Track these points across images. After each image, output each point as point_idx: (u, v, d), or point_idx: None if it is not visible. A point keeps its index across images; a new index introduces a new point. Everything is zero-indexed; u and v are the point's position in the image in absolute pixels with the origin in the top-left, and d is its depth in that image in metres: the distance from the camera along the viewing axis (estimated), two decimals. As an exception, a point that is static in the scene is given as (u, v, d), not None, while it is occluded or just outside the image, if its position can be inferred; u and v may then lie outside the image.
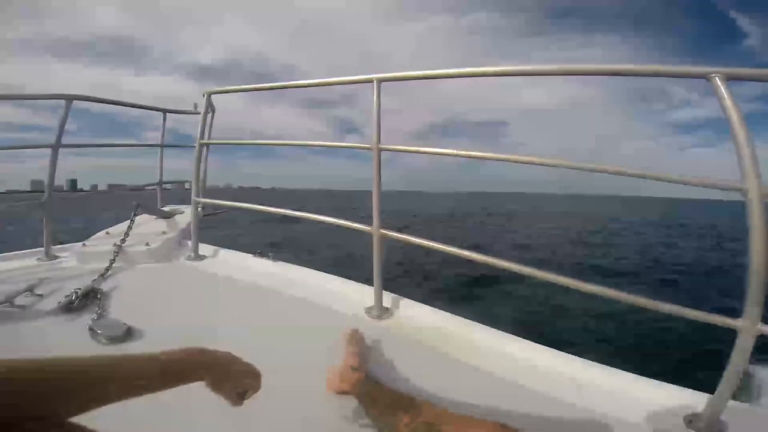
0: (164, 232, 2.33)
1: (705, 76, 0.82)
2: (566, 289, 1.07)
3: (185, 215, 2.68)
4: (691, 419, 0.89)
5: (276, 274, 1.90)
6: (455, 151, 1.31)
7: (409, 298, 1.55)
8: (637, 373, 1.07)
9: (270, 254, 2.11)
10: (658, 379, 1.04)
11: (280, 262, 2.03)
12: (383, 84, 1.41)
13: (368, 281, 1.56)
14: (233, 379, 0.62)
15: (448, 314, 1.43)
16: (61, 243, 2.23)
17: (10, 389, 0.37)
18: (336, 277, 1.80)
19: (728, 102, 0.77)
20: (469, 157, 1.28)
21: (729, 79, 0.79)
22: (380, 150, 1.42)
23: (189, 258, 2.11)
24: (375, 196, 1.45)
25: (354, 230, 1.55)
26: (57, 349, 1.15)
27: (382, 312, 1.46)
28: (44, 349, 1.16)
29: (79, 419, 0.42)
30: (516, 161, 1.15)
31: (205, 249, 2.20)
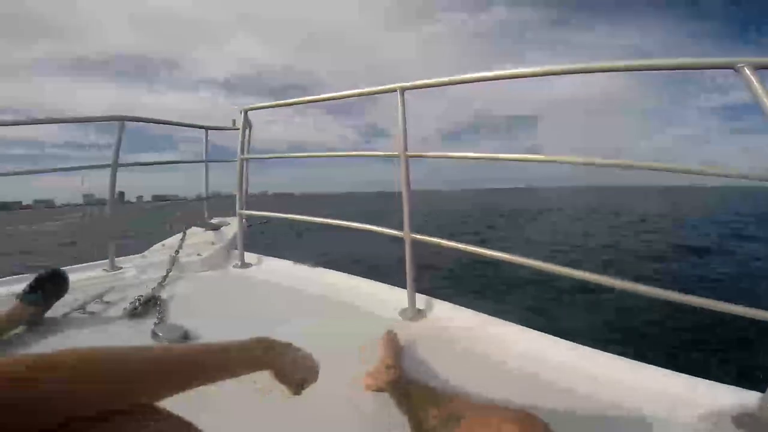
0: (213, 243, 2.50)
1: (733, 67, 0.80)
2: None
3: (231, 227, 2.85)
4: (741, 419, 0.85)
5: (315, 279, 1.99)
6: (481, 155, 1.33)
7: (443, 300, 1.58)
8: (691, 375, 1.03)
9: (311, 261, 2.21)
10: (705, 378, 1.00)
11: (319, 268, 2.12)
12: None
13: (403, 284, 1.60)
14: (295, 369, 0.68)
15: (481, 315, 1.44)
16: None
17: (85, 378, 0.39)
18: (372, 281, 1.86)
19: (759, 91, 0.75)
20: (497, 159, 1.30)
21: (759, 68, 0.76)
22: (407, 157, 1.47)
23: (236, 266, 2.25)
24: (405, 201, 1.50)
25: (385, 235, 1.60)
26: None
27: (415, 314, 1.50)
28: None
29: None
30: (542, 161, 1.16)
31: (250, 257, 2.34)
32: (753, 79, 0.76)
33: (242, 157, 2.30)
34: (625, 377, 1.04)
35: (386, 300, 1.63)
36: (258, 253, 2.41)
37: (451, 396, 0.84)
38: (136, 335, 1.37)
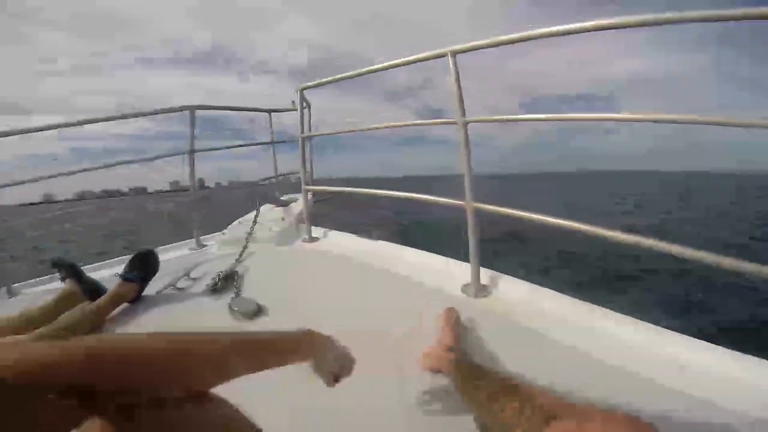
0: (283, 219, 2.63)
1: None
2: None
3: (299, 203, 2.97)
4: None
5: (378, 252, 2.00)
6: (551, 116, 1.18)
7: (508, 275, 1.49)
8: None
9: (375, 234, 2.23)
10: None
11: (381, 241, 2.13)
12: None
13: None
14: (332, 362, 0.69)
15: (549, 291, 1.33)
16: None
17: (148, 360, 0.41)
18: (434, 255, 1.82)
19: None
20: (561, 120, 1.15)
21: None
22: (465, 123, 1.37)
23: (304, 240, 2.35)
24: (466, 170, 1.41)
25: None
26: (203, 325, 1.41)
27: (479, 290, 1.43)
28: (194, 324, 1.43)
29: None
30: (619, 119, 0.99)
31: (317, 231, 2.42)
32: None
33: (302, 135, 2.34)
34: (737, 372, 0.89)
35: (449, 275, 1.58)
36: (325, 227, 2.49)
37: (531, 388, 0.75)
38: (216, 310, 1.49)
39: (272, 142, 3.23)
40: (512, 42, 1.19)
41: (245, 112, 3.17)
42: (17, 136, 1.85)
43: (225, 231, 2.61)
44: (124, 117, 2.35)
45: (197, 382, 0.46)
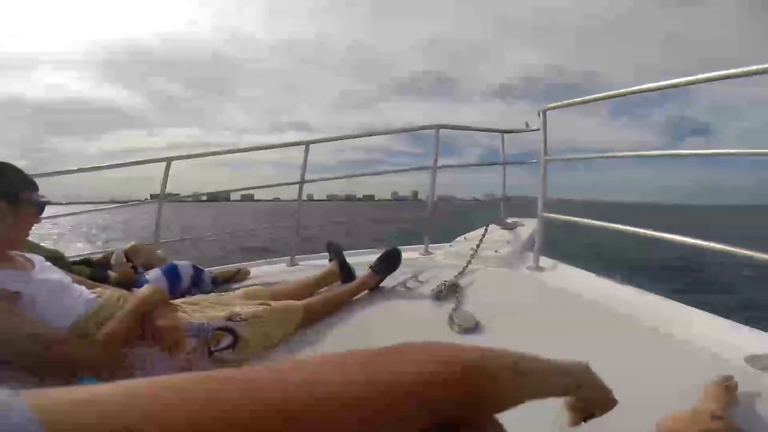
0: (509, 242, 2.55)
1: None
2: None
3: (526, 228, 2.83)
4: None
5: (621, 297, 1.66)
6: None
7: None
8: None
9: (619, 276, 1.87)
10: None
11: (630, 287, 1.76)
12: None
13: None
14: (593, 399, 0.56)
15: None
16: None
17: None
18: (710, 314, 1.38)
19: None
20: None
21: None
22: None
23: (530, 268, 2.19)
24: None
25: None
26: (425, 328, 1.49)
27: None
28: (418, 326, 1.52)
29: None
30: None
31: (545, 262, 2.23)
32: None
33: (545, 158, 2.21)
34: None
35: (726, 339, 1.20)
36: (555, 258, 2.27)
37: None
38: (437, 316, 1.54)
39: (504, 163, 3.21)
40: None
41: (482, 132, 3.29)
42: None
43: (451, 243, 2.73)
44: (375, 133, 2.87)
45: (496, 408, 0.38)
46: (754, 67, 1.18)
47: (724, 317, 1.38)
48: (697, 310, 1.47)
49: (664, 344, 1.25)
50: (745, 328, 1.28)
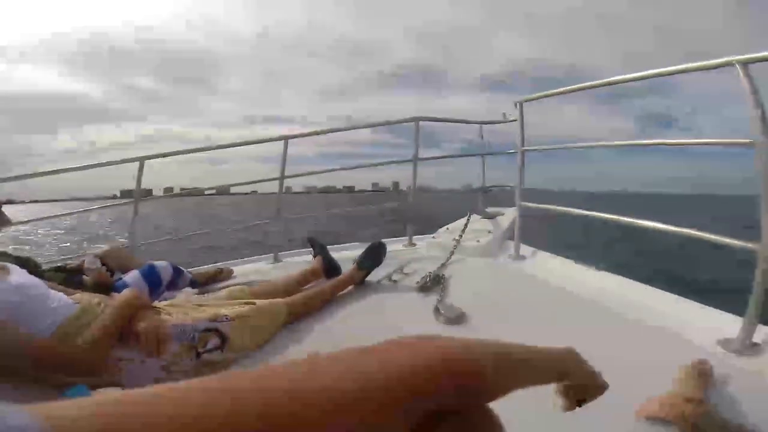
0: (489, 231, 2.58)
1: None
2: None
3: (506, 217, 2.87)
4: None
5: (598, 284, 1.71)
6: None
7: None
8: None
9: (598, 264, 1.93)
10: None
11: (605, 272, 1.82)
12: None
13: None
14: (585, 384, 0.58)
15: None
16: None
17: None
18: (677, 296, 1.45)
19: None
20: None
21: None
22: None
23: (510, 257, 2.24)
24: (764, 206, 1.05)
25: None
26: (411, 320, 1.50)
27: (745, 347, 1.07)
28: (404, 319, 1.53)
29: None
30: None
31: (525, 250, 2.27)
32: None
33: (522, 148, 2.24)
34: None
35: (696, 321, 1.27)
36: (535, 246, 2.32)
37: None
38: (422, 308, 1.56)
39: (483, 154, 3.25)
40: None
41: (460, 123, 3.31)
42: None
43: (434, 234, 2.75)
44: (355, 127, 2.84)
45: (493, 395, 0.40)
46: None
47: (697, 301, 1.43)
48: (670, 294, 1.52)
49: (639, 329, 1.29)
50: (716, 311, 1.33)
